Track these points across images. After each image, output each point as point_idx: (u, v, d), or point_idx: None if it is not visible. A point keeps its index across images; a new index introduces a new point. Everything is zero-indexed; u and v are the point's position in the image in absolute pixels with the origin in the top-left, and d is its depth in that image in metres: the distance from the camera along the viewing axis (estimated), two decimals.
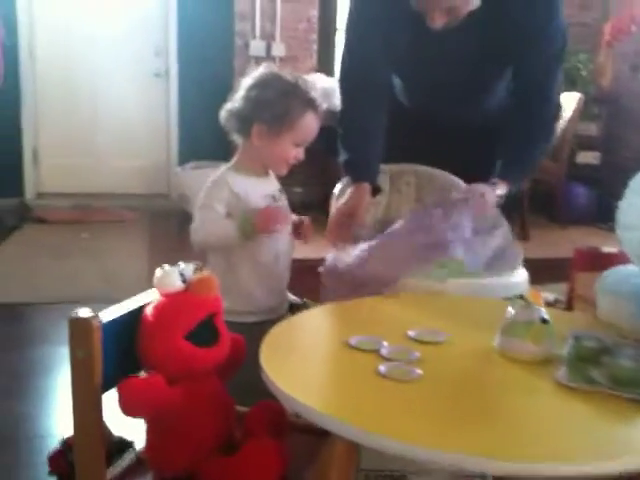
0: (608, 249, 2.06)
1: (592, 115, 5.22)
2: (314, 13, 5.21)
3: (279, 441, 1.12)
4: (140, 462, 1.16)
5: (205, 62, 4.95)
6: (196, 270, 1.19)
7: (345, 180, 1.97)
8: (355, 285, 1.52)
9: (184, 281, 1.15)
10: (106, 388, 1.07)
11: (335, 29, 5.32)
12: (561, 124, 4.34)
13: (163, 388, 1.05)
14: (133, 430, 1.18)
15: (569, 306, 2.23)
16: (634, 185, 1.42)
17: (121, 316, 1.12)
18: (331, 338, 1.26)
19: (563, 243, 4.44)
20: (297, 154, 1.57)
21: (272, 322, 1.40)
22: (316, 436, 1.07)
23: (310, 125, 1.55)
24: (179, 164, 4.95)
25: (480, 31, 1.66)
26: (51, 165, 5.08)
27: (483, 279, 1.56)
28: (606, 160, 5.31)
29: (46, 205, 4.78)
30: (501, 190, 1.70)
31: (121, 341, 1.11)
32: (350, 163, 1.89)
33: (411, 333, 1.20)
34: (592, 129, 5.30)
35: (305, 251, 1.73)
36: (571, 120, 4.56)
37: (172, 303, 1.13)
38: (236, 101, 1.55)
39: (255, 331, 1.30)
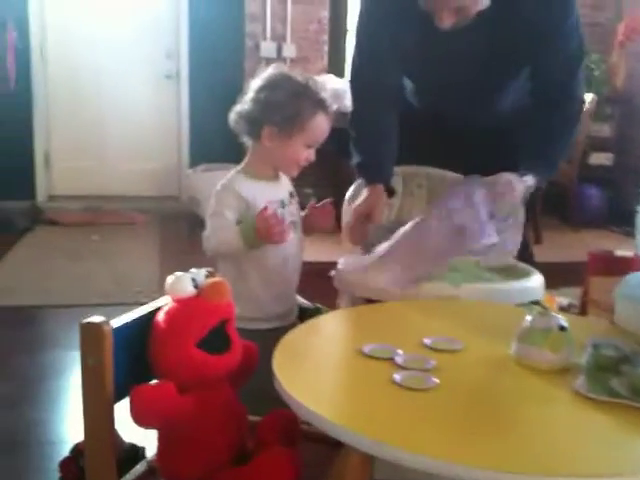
0: (622, 252, 2.03)
1: (605, 116, 5.17)
2: (325, 14, 5.20)
3: (292, 451, 1.10)
4: (152, 471, 1.14)
5: (216, 64, 4.94)
6: (208, 276, 1.18)
7: (359, 182, 1.96)
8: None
9: (196, 287, 1.14)
10: (118, 396, 1.05)
11: (346, 30, 5.31)
12: None
13: (174, 396, 1.04)
14: (144, 437, 1.17)
15: (583, 311, 2.20)
16: None
17: (132, 322, 1.11)
18: (345, 345, 1.24)
19: (576, 246, 4.39)
20: (308, 156, 1.56)
21: (283, 329, 1.39)
22: (329, 445, 1.05)
23: (321, 126, 1.54)
24: (190, 166, 4.95)
25: (490, 31, 1.64)
26: (62, 168, 5.08)
27: (498, 284, 1.54)
28: (619, 161, 5.25)
29: (57, 207, 4.78)
30: (529, 182, 1.68)
31: (133, 348, 1.10)
32: (363, 165, 1.87)
33: (427, 341, 1.18)
34: (605, 130, 5.25)
35: (316, 254, 1.72)
36: (584, 121, 4.52)
37: (184, 309, 1.12)
38: (245, 103, 1.53)
39: (265, 338, 1.29)
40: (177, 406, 1.04)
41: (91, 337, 1.01)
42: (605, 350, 1.10)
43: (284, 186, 1.61)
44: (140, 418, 1.02)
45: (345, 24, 5.31)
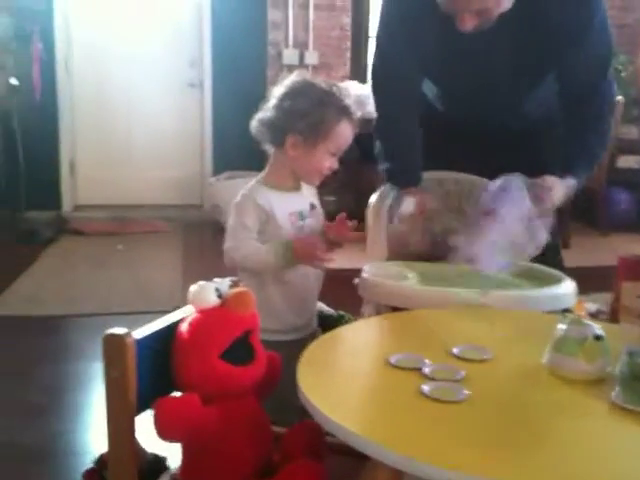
0: None
1: (633, 118, 5.08)
2: (347, 21, 5.19)
3: (318, 464, 1.07)
4: None
5: (238, 72, 4.95)
6: (232, 285, 1.17)
7: (383, 189, 1.93)
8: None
9: (220, 297, 1.12)
10: (141, 408, 1.04)
11: (368, 37, 5.29)
12: None
13: (198, 408, 1.02)
14: (167, 448, 1.15)
15: (613, 317, 2.14)
16: None
17: (155, 333, 1.10)
18: (370, 355, 1.21)
19: (604, 250, 4.32)
20: (332, 164, 1.53)
21: (302, 341, 1.37)
22: (356, 458, 1.02)
23: (345, 133, 1.51)
24: (213, 174, 4.96)
25: (514, 32, 1.61)
26: (87, 177, 5.13)
27: (528, 291, 1.50)
28: None
29: (82, 217, 4.82)
30: (570, 183, 1.67)
31: (156, 359, 1.08)
32: (393, 170, 1.86)
33: (455, 350, 1.14)
34: (633, 132, 5.15)
35: (340, 261, 1.69)
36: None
37: (207, 319, 1.10)
38: (268, 110, 1.50)
39: (287, 348, 1.27)
40: (201, 418, 1.03)
41: (114, 349, 0.99)
42: None
43: (305, 197, 1.58)
44: (164, 431, 1.00)
45: (367, 30, 5.29)
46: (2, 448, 1.93)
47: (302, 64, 5.02)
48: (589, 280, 1.91)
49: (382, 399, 1.03)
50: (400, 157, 1.85)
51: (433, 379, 1.04)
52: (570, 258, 2.02)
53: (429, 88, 1.91)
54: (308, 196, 1.59)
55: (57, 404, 2.22)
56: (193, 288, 1.13)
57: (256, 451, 1.10)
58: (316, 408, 0.95)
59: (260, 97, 1.56)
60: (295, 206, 1.53)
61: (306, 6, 5.06)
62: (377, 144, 1.89)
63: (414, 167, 1.85)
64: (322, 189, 1.62)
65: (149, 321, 1.13)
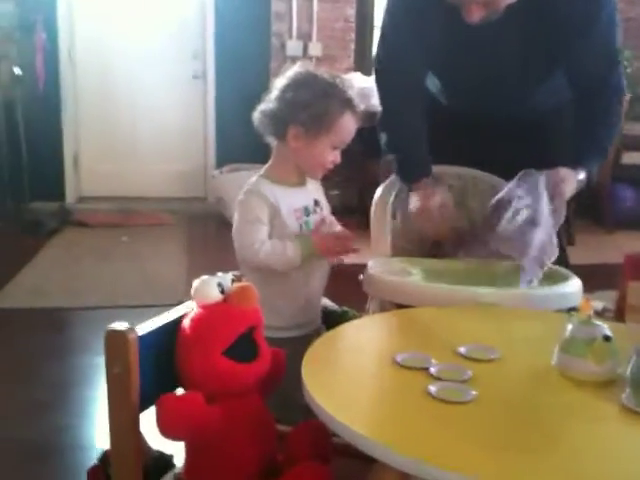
0: None
1: (638, 114, 5.04)
2: (351, 12, 5.16)
3: (323, 465, 1.06)
4: None
5: (242, 63, 4.93)
6: (235, 280, 1.15)
7: (387, 183, 1.91)
8: None
9: (222, 292, 1.11)
10: (144, 405, 1.02)
11: (372, 28, 5.25)
12: None
13: (201, 406, 1.01)
14: (173, 445, 1.13)
15: (619, 316, 2.13)
16: None
17: (158, 329, 1.08)
18: (376, 354, 1.19)
19: (609, 248, 4.30)
20: (334, 157, 1.50)
21: (306, 337, 1.35)
22: (362, 460, 1.01)
23: (348, 126, 1.48)
24: (216, 167, 4.94)
25: (521, 24, 1.60)
26: (91, 169, 5.12)
27: (535, 289, 1.48)
28: None
29: (86, 209, 4.82)
30: (581, 175, 1.65)
31: (159, 355, 1.07)
32: (403, 164, 1.84)
33: (462, 349, 1.13)
34: (638, 129, 5.10)
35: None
36: None
37: (210, 315, 1.08)
38: (270, 102, 1.47)
39: (291, 345, 1.26)
40: (204, 416, 1.01)
41: (116, 345, 0.98)
42: None
43: (310, 193, 1.55)
44: (167, 429, 0.99)
45: (372, 22, 5.25)
46: (7, 443, 1.93)
47: (306, 56, 4.99)
48: (594, 278, 1.90)
49: (388, 399, 1.02)
50: (406, 150, 1.83)
51: (440, 379, 1.02)
52: (575, 255, 2.00)
53: (432, 82, 1.89)
54: (313, 191, 1.57)
55: (62, 398, 2.21)
56: (196, 283, 1.11)
57: (260, 450, 1.09)
58: (321, 408, 0.93)
59: (263, 89, 1.54)
60: (300, 202, 1.51)
61: None
62: (382, 136, 1.87)
63: (421, 159, 1.83)
64: (325, 183, 1.60)
65: (154, 314, 1.12)
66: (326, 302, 1.67)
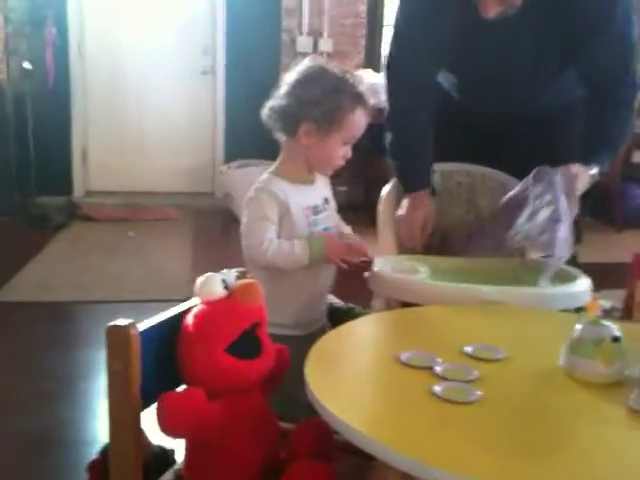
0: None
1: None
2: (362, 8, 5.14)
3: (326, 464, 1.05)
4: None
5: (252, 59, 4.92)
6: (239, 277, 1.14)
7: (395, 182, 1.90)
8: None
9: (226, 288, 1.10)
10: (147, 403, 1.01)
11: (383, 25, 5.23)
12: None
13: (203, 403, 1.00)
14: (175, 442, 1.12)
15: (627, 315, 2.11)
16: None
17: (160, 324, 1.07)
18: (381, 352, 1.17)
19: (618, 247, 4.27)
20: (345, 153, 1.49)
21: (311, 336, 1.34)
22: (365, 457, 1.00)
23: (360, 122, 1.47)
24: (224, 162, 4.93)
25: (537, 19, 1.59)
26: (99, 164, 5.13)
27: (544, 288, 1.46)
28: None
29: (94, 203, 4.82)
30: (593, 171, 1.64)
31: (161, 352, 1.06)
32: (404, 171, 1.82)
33: (467, 349, 1.11)
34: None
35: None
36: None
37: (213, 312, 1.07)
38: (281, 98, 1.45)
39: (294, 342, 1.25)
40: (206, 413, 1.00)
41: (117, 341, 0.97)
42: None
43: (319, 191, 1.54)
44: (167, 426, 0.98)
45: (382, 18, 5.23)
46: (11, 436, 1.94)
47: (316, 52, 4.97)
48: (602, 276, 1.88)
49: (392, 398, 1.00)
50: (410, 153, 1.81)
51: (445, 379, 1.00)
52: (583, 254, 1.98)
53: (445, 77, 1.87)
54: (322, 188, 1.55)
55: (66, 392, 2.21)
56: (199, 279, 1.10)
57: (262, 448, 1.08)
58: (324, 406, 0.92)
59: (273, 85, 1.52)
60: (310, 200, 1.49)
61: None
62: (387, 135, 1.85)
63: (423, 167, 1.82)
64: (333, 180, 1.58)
65: (159, 309, 1.11)
66: (332, 298, 1.66)
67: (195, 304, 1.11)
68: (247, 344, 1.07)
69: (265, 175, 1.49)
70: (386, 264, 1.56)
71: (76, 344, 2.64)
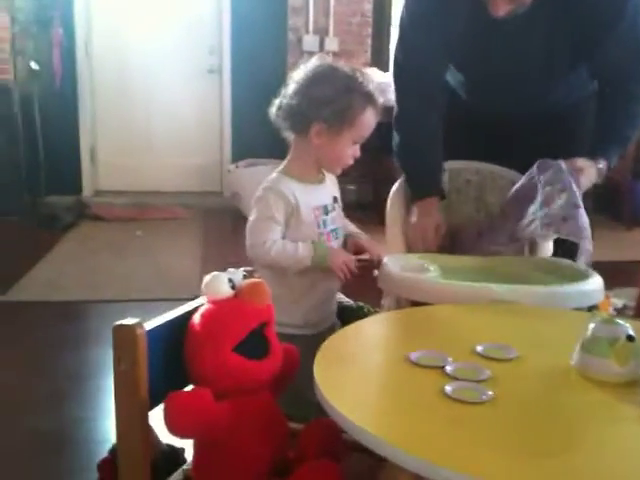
0: None
1: None
2: (368, 7, 5.11)
3: (335, 463, 1.04)
4: None
5: (258, 58, 4.91)
6: (246, 276, 1.13)
7: (401, 183, 1.89)
8: None
9: (233, 287, 1.09)
10: (154, 402, 1.00)
11: (389, 23, 5.20)
12: None
13: (210, 403, 0.99)
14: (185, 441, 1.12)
15: (639, 313, 2.09)
16: None
17: (167, 324, 1.06)
18: (391, 352, 1.16)
19: (629, 245, 4.25)
20: (354, 152, 1.48)
21: (320, 335, 1.33)
22: (375, 457, 0.98)
23: (370, 121, 1.46)
24: (232, 161, 4.93)
25: (547, 17, 1.58)
26: (108, 163, 5.13)
27: (555, 286, 1.44)
28: None
29: (103, 203, 4.83)
30: (602, 165, 1.64)
31: (168, 351, 1.05)
32: (414, 177, 1.82)
33: (479, 348, 1.09)
34: None
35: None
36: None
37: (220, 311, 1.07)
38: (290, 97, 1.44)
39: (304, 342, 1.24)
40: (213, 414, 0.99)
41: (124, 340, 0.96)
42: None
43: (328, 190, 1.53)
44: (174, 426, 0.97)
45: (389, 17, 5.21)
46: (22, 435, 1.94)
47: (322, 50, 4.95)
48: (613, 275, 1.87)
49: (402, 399, 0.98)
50: (419, 156, 1.81)
51: (456, 378, 0.99)
52: (593, 252, 1.96)
53: (451, 75, 1.85)
54: (331, 188, 1.54)
55: (77, 391, 2.22)
56: (206, 278, 1.09)
57: (270, 448, 1.07)
58: (333, 407, 0.91)
59: (280, 84, 1.51)
60: (319, 200, 1.49)
61: None
62: (395, 137, 1.84)
63: (434, 173, 1.81)
64: (341, 178, 1.57)
65: (168, 308, 1.11)
66: (341, 297, 1.65)
67: (202, 303, 1.10)
68: (255, 344, 1.07)
69: (274, 174, 1.48)
70: (395, 263, 1.55)
71: (86, 343, 2.64)
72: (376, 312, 1.67)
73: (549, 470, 0.80)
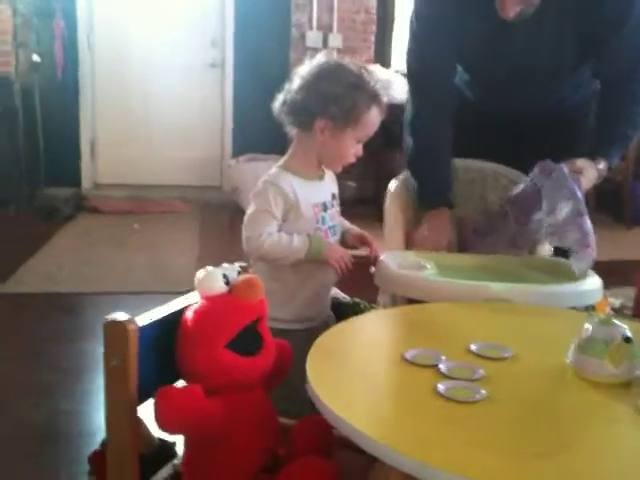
0: None
1: None
2: (372, 4, 5.09)
3: (327, 460, 1.03)
4: (178, 476, 1.08)
5: (261, 53, 4.89)
6: (240, 272, 1.12)
7: (402, 177, 1.88)
8: None
9: (227, 283, 1.08)
10: (143, 398, 0.99)
11: (393, 20, 5.19)
12: None
13: (201, 400, 0.98)
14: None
15: (637, 313, 2.09)
16: None
17: (159, 320, 1.05)
18: (385, 350, 1.15)
19: (629, 245, 4.24)
20: (357, 151, 1.47)
21: (314, 330, 1.32)
22: (367, 455, 0.98)
23: (374, 120, 1.45)
24: (233, 156, 4.91)
25: (554, 18, 1.58)
26: (107, 156, 5.12)
27: (552, 286, 1.43)
28: None
29: (101, 195, 4.82)
30: (602, 165, 1.64)
31: (159, 347, 1.04)
32: (426, 188, 1.81)
33: (473, 347, 1.09)
34: None
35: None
36: None
37: (214, 307, 1.05)
38: (295, 92, 1.42)
39: (297, 337, 1.23)
40: (204, 411, 0.98)
41: (115, 336, 0.95)
42: None
43: (328, 187, 1.52)
44: (164, 423, 0.96)
45: (393, 14, 5.19)
46: (16, 427, 1.93)
47: (326, 47, 4.93)
48: (612, 274, 1.86)
49: (395, 397, 0.98)
50: (432, 174, 1.81)
51: (450, 377, 0.98)
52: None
53: (460, 76, 1.85)
54: (330, 184, 1.54)
55: (72, 383, 2.21)
56: (200, 273, 1.08)
57: (262, 444, 1.06)
58: (324, 404, 0.90)
59: (282, 79, 1.50)
60: (319, 197, 1.48)
61: None
62: (408, 141, 1.83)
63: (446, 183, 1.81)
64: (342, 174, 1.56)
65: (165, 302, 1.10)
66: (337, 293, 1.64)
67: (194, 299, 1.09)
68: (248, 340, 1.05)
69: (274, 169, 1.48)
70: (392, 260, 1.54)
71: (82, 336, 2.63)
72: (372, 308, 1.66)
73: (543, 470, 0.79)
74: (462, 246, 1.77)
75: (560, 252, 1.69)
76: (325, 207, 1.48)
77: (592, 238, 1.49)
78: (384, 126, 1.55)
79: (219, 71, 5.07)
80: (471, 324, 1.24)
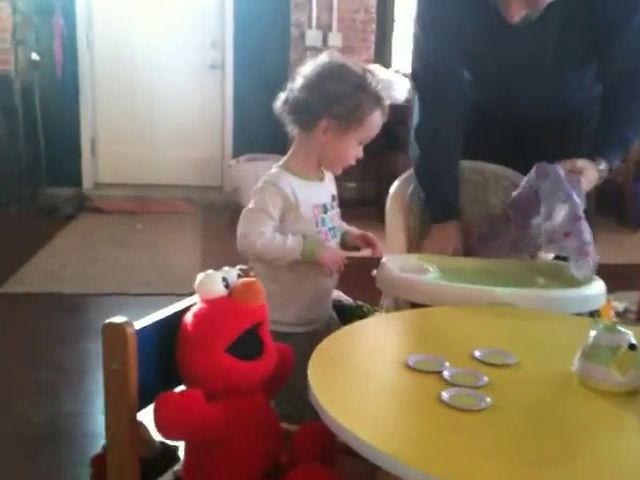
0: None
1: None
2: (372, 3, 5.08)
3: (330, 467, 1.01)
4: None
5: (261, 53, 4.88)
6: (241, 275, 1.11)
7: (403, 177, 1.87)
8: None
9: (227, 286, 1.06)
10: (144, 402, 0.98)
11: (393, 19, 5.18)
12: None
13: (201, 405, 0.96)
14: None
15: None
16: None
17: (159, 323, 1.04)
18: (387, 356, 1.13)
19: (632, 248, 4.22)
20: (358, 153, 1.47)
21: (316, 333, 1.31)
22: (370, 463, 0.96)
23: (377, 122, 1.44)
24: (233, 156, 4.90)
25: (558, 21, 1.58)
26: (108, 156, 5.11)
27: (556, 291, 1.42)
28: None
29: (103, 195, 4.81)
30: (602, 166, 1.62)
31: (159, 351, 1.03)
32: (434, 200, 1.80)
33: (477, 353, 1.07)
34: None
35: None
36: None
37: (213, 311, 1.04)
38: (299, 91, 1.41)
39: (298, 340, 1.21)
40: (204, 416, 0.97)
41: (114, 339, 0.94)
42: None
43: (328, 188, 1.51)
44: (164, 428, 0.95)
45: (392, 13, 5.18)
46: (18, 427, 1.93)
47: (325, 46, 4.92)
48: (616, 278, 1.85)
49: (398, 405, 0.96)
50: (441, 188, 1.79)
51: (453, 384, 0.97)
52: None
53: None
54: (330, 185, 1.52)
55: (74, 384, 2.21)
56: (199, 277, 1.07)
57: (263, 450, 1.05)
58: (326, 411, 0.89)
59: (282, 79, 1.48)
60: (319, 198, 1.47)
61: None
62: (415, 150, 1.81)
63: (454, 196, 1.80)
64: (343, 176, 1.55)
65: (168, 303, 1.09)
66: (341, 296, 1.63)
67: (194, 302, 1.07)
68: (248, 344, 1.04)
69: (274, 169, 1.46)
70: (394, 263, 1.52)
71: (84, 336, 2.63)
72: (375, 311, 1.65)
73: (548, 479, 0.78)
74: (467, 253, 1.75)
75: (561, 256, 1.68)
76: (325, 209, 1.47)
77: (591, 246, 1.47)
78: (385, 127, 1.54)
79: (219, 72, 5.05)
80: (474, 329, 1.23)
